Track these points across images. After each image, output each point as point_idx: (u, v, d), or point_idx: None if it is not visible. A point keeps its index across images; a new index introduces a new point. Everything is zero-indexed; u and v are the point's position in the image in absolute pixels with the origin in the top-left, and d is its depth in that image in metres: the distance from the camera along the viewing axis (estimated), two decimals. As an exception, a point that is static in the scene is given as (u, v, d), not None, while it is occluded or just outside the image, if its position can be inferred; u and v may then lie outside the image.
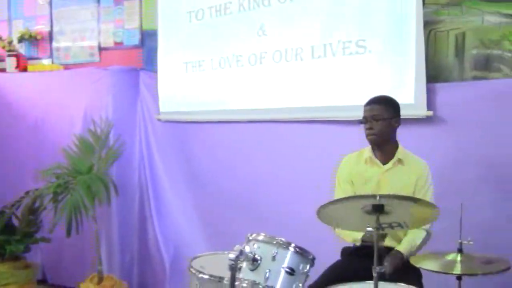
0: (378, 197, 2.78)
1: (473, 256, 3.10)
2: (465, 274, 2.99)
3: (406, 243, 3.61)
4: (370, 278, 2.86)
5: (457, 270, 2.97)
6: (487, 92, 4.10)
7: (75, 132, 5.83)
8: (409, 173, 3.72)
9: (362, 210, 2.85)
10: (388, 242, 3.65)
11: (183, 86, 5.72)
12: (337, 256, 3.88)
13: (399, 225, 2.96)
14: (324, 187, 3.97)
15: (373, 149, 3.79)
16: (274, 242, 3.06)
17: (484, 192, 4.10)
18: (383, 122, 3.67)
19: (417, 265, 3.10)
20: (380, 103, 3.73)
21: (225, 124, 5.42)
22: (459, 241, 3.09)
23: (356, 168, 3.81)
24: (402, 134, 3.81)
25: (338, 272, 3.64)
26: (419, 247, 3.64)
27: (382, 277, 3.00)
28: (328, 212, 3.01)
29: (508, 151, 4.01)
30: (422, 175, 3.72)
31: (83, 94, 6.11)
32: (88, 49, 6.47)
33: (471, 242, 3.08)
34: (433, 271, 3.04)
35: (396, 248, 3.58)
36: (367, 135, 3.72)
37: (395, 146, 3.78)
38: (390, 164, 3.74)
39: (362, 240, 3.59)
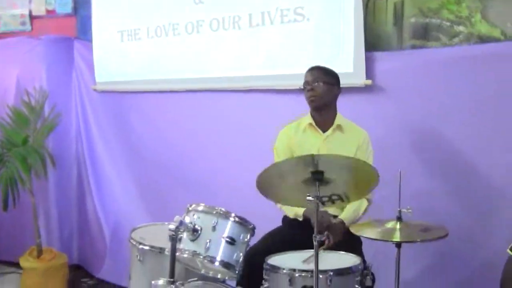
0: (314, 157, 2.77)
1: (411, 224, 3.15)
2: (404, 242, 3.03)
3: (349, 212, 3.64)
4: (310, 246, 2.85)
5: (396, 237, 3.01)
6: (425, 61, 4.12)
7: (8, 103, 5.66)
8: (349, 141, 3.75)
9: (302, 181, 2.84)
10: (330, 209, 3.67)
11: (119, 56, 5.62)
12: (277, 225, 3.88)
13: (340, 197, 2.97)
14: (264, 156, 3.95)
15: (312, 116, 3.79)
16: (214, 212, 3.04)
17: (422, 160, 4.15)
18: (324, 85, 3.70)
19: (357, 234, 3.13)
20: (321, 69, 3.76)
21: (163, 93, 5.35)
22: (398, 209, 3.12)
23: (295, 138, 3.81)
24: (341, 103, 3.83)
25: (278, 239, 3.65)
26: (361, 216, 3.69)
27: (323, 245, 3.02)
28: (267, 183, 3.00)
29: (446, 119, 4.06)
30: (362, 144, 3.76)
31: (15, 64, 5.95)
32: (19, 18, 6.26)
33: (410, 210, 3.12)
34: (373, 239, 3.08)
35: (339, 217, 3.60)
36: (309, 98, 3.72)
37: (335, 113, 3.80)
38: (330, 131, 3.76)
39: (304, 216, 3.61)
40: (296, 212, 3.66)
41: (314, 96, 3.70)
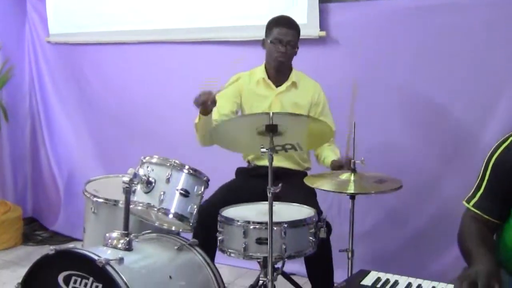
0: (271, 114, 2.75)
1: (366, 175, 3.16)
2: (359, 193, 3.05)
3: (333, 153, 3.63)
4: (265, 198, 2.86)
5: (351, 189, 3.02)
6: (379, 12, 4.13)
7: (-41, 57, 5.52)
8: (302, 95, 3.75)
9: (256, 131, 2.83)
10: (280, 163, 3.68)
11: (72, 7, 5.48)
12: (231, 177, 3.88)
13: (293, 147, 2.96)
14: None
15: (268, 71, 3.75)
16: (168, 164, 3.01)
17: (376, 111, 4.18)
18: (294, 49, 3.66)
19: (312, 186, 3.13)
20: (294, 28, 3.67)
21: (116, 45, 5.27)
22: (352, 160, 3.13)
23: (248, 87, 3.76)
24: (295, 54, 3.80)
25: (232, 192, 3.65)
26: None
27: (277, 198, 3.02)
28: (220, 133, 2.98)
29: (399, 69, 4.08)
30: (318, 99, 3.77)
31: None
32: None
33: (364, 161, 3.13)
34: (327, 190, 3.09)
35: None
36: (277, 57, 3.65)
37: (290, 69, 3.77)
38: (283, 87, 3.74)
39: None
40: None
41: (284, 57, 3.65)
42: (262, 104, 3.72)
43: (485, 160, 2.47)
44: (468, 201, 2.49)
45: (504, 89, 3.84)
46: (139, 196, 2.99)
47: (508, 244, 2.43)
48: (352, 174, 3.12)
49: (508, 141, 2.42)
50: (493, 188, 2.44)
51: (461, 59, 3.94)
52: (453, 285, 2.16)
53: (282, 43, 3.62)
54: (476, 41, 3.87)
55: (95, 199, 3.35)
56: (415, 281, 2.25)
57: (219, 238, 3.09)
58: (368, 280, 2.26)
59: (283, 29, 3.64)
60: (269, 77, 3.75)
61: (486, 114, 3.90)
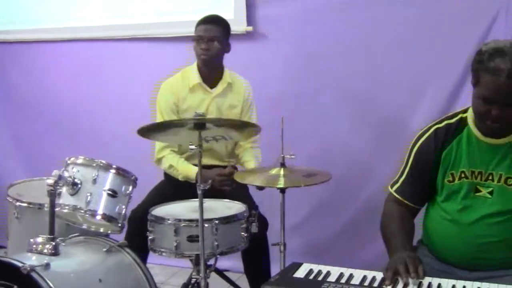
0: (200, 119, 2.71)
1: (295, 169, 3.16)
2: (288, 187, 3.05)
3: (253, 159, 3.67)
4: (195, 196, 2.82)
5: (281, 183, 3.01)
6: (306, 6, 4.12)
7: None
8: (236, 96, 3.72)
9: (186, 128, 2.78)
10: (209, 161, 3.65)
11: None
12: (161, 175, 3.83)
13: (223, 137, 2.93)
14: (146, 106, 3.87)
15: (200, 72, 3.67)
16: (94, 165, 2.95)
17: (304, 105, 4.18)
18: (219, 44, 3.58)
19: (243, 181, 3.12)
20: (218, 25, 3.62)
21: (43, 43, 5.10)
22: (282, 155, 3.13)
23: (182, 94, 3.66)
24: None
25: (162, 192, 3.61)
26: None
27: (207, 194, 2.98)
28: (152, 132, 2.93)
29: (327, 63, 4.09)
30: (248, 98, 3.74)
31: None
32: None
33: (293, 156, 3.13)
34: (258, 186, 3.10)
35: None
36: (200, 55, 3.59)
37: (222, 69, 3.72)
38: (219, 89, 3.68)
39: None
40: (186, 175, 3.58)
41: (207, 55, 3.58)
42: (199, 108, 3.61)
43: (409, 148, 2.62)
44: (392, 186, 2.66)
45: (430, 81, 3.91)
46: (65, 199, 2.92)
47: (429, 226, 2.60)
48: (282, 168, 3.12)
49: (430, 131, 2.56)
50: (414, 175, 2.60)
51: (388, 50, 3.98)
52: (382, 273, 2.25)
53: (203, 39, 3.56)
54: (403, 32, 3.92)
55: (18, 203, 3.25)
56: (346, 271, 2.28)
57: (150, 237, 3.04)
58: (300, 273, 2.28)
59: (204, 26, 3.59)
60: (203, 80, 3.67)
61: (413, 106, 3.95)
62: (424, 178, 2.55)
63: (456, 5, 3.78)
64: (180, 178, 3.59)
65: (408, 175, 2.60)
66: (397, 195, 2.61)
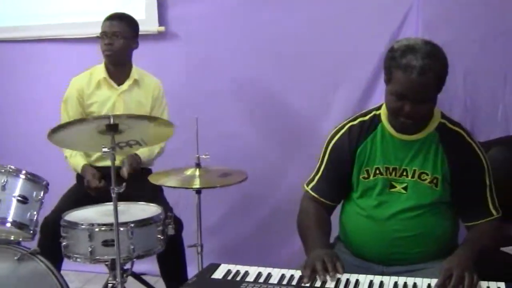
0: (111, 119, 2.65)
1: (211, 169, 3.17)
2: (204, 188, 3.04)
3: (145, 150, 3.60)
4: (109, 200, 2.78)
5: (196, 184, 3.01)
6: (218, 6, 4.12)
7: None
8: (145, 94, 3.69)
9: (97, 130, 2.72)
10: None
11: None
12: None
13: (137, 142, 2.89)
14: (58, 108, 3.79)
15: (107, 69, 3.65)
16: (3, 171, 2.88)
17: (218, 105, 4.18)
18: (123, 40, 3.56)
19: (158, 183, 3.12)
20: (122, 20, 3.60)
21: None
22: (197, 155, 3.12)
23: (88, 91, 3.65)
24: (134, 51, 3.71)
25: (75, 197, 3.53)
26: (154, 158, 3.72)
27: (121, 198, 2.93)
28: (61, 135, 2.85)
29: (241, 63, 4.11)
30: (158, 95, 3.72)
31: None
32: None
33: (208, 156, 3.13)
34: (173, 187, 3.09)
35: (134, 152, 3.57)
36: (104, 51, 3.57)
37: (130, 66, 3.70)
38: (125, 86, 3.66)
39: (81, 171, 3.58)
40: (75, 165, 3.58)
41: (111, 50, 3.56)
42: (105, 106, 3.62)
43: (324, 146, 2.65)
44: (307, 184, 2.68)
45: (344, 79, 3.96)
46: (-28, 207, 2.82)
47: (345, 222, 2.63)
48: (197, 169, 3.12)
49: (344, 129, 2.59)
50: (329, 172, 2.63)
51: (299, 51, 4.00)
52: (300, 271, 2.26)
53: (107, 35, 3.55)
54: (315, 32, 3.95)
55: None
56: (264, 270, 2.29)
57: (64, 243, 2.96)
58: (218, 274, 2.28)
59: (108, 22, 3.58)
60: (110, 76, 3.65)
61: (327, 104, 4.00)
62: (339, 175, 2.58)
63: (368, 4, 3.85)
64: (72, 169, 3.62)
65: (323, 173, 2.62)
66: (313, 193, 2.63)
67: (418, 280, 2.17)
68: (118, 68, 3.66)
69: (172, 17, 4.21)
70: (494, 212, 2.45)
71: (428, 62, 2.24)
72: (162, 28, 4.19)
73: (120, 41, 3.56)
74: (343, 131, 2.58)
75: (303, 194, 2.68)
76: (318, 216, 2.59)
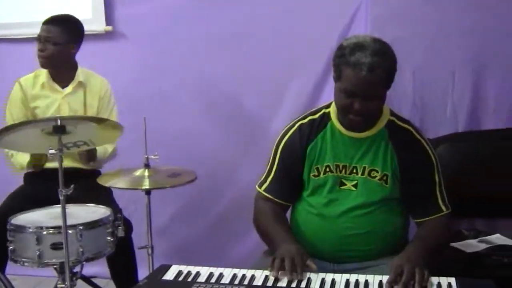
0: (58, 121, 2.60)
1: (160, 169, 3.16)
2: (153, 188, 3.02)
3: (100, 147, 3.54)
4: (57, 201, 2.73)
5: (145, 185, 2.99)
6: (166, 5, 4.11)
7: None
8: (91, 95, 3.63)
9: (43, 132, 2.67)
10: (71, 164, 3.53)
11: None
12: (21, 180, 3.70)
13: (85, 143, 2.85)
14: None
15: (50, 72, 3.58)
16: None
17: (166, 104, 4.17)
18: (56, 46, 3.46)
19: (107, 184, 3.08)
20: (58, 25, 3.48)
21: None
22: (146, 156, 3.09)
23: (32, 93, 3.58)
24: (81, 51, 3.65)
25: (21, 199, 3.46)
26: (108, 158, 3.65)
27: (70, 200, 2.89)
28: (6, 138, 2.78)
29: (190, 61, 4.09)
30: (104, 95, 3.65)
31: None
32: None
33: (157, 156, 3.11)
34: (122, 188, 3.07)
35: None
36: (38, 56, 3.49)
37: (74, 68, 3.62)
38: (70, 88, 3.59)
39: (32, 165, 3.52)
40: (21, 163, 3.53)
41: (42, 57, 3.47)
42: (49, 109, 3.55)
43: (275, 145, 2.64)
44: (260, 186, 2.66)
45: (293, 78, 3.99)
46: None
47: (296, 220, 2.63)
48: (146, 169, 3.09)
49: (295, 127, 2.60)
50: (281, 172, 2.61)
51: (249, 50, 4.02)
52: (254, 271, 2.25)
53: (40, 39, 3.46)
54: (264, 30, 3.98)
55: None
56: (216, 271, 2.28)
57: (10, 247, 2.90)
58: (169, 275, 2.26)
59: (44, 26, 3.49)
60: (53, 79, 3.57)
61: (277, 103, 4.01)
62: (291, 174, 2.58)
63: (317, 2, 3.88)
64: (17, 167, 3.56)
65: (275, 173, 2.62)
66: (267, 194, 2.61)
67: (370, 277, 2.18)
68: (61, 71, 3.58)
69: (120, 16, 4.17)
70: (443, 208, 2.48)
71: (377, 59, 2.26)
72: (109, 28, 4.15)
73: (51, 47, 3.45)
74: (293, 129, 2.59)
75: (256, 195, 2.66)
76: (276, 214, 2.58)
